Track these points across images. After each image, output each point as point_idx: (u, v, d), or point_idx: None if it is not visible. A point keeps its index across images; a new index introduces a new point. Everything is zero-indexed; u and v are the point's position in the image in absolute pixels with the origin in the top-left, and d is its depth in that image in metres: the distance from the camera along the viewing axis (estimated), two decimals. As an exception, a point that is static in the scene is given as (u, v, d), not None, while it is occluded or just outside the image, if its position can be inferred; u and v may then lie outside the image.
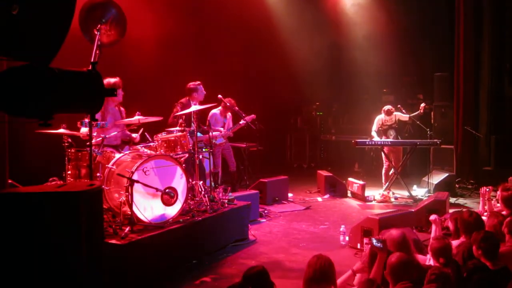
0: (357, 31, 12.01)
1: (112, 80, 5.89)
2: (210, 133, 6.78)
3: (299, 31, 11.85)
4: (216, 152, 7.94)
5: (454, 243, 4.52)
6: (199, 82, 7.28)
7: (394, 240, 3.94)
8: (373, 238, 3.95)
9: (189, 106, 6.90)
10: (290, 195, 9.03)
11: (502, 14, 10.71)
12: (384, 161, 9.34)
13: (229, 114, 8.27)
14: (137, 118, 5.67)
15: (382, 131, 9.24)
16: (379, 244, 3.83)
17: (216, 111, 8.09)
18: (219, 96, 7.89)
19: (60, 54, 2.76)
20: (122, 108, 6.21)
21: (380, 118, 9.29)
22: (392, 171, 9.12)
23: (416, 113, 9.23)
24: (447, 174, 9.33)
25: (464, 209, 5.87)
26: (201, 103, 7.16)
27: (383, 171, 9.33)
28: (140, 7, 8.14)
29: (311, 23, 12.11)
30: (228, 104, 7.94)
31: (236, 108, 8.00)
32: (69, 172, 5.25)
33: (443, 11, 11.48)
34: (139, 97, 7.58)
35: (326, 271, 3.38)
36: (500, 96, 10.88)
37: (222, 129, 8.05)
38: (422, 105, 9.23)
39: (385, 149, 9.16)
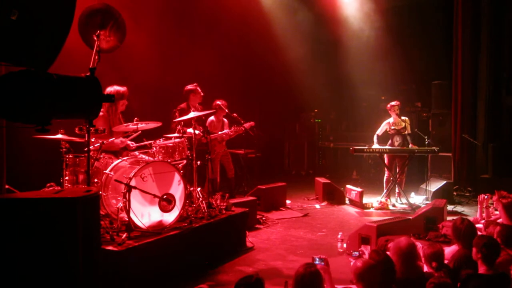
0: (356, 39, 12.06)
1: (121, 89, 5.95)
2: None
3: (298, 38, 11.88)
4: (214, 159, 7.95)
5: (447, 250, 4.52)
6: (196, 84, 7.46)
7: (401, 249, 3.92)
8: (316, 257, 3.96)
9: (189, 111, 6.98)
10: (288, 202, 9.02)
11: (501, 23, 10.76)
12: (385, 169, 9.24)
13: (225, 120, 8.28)
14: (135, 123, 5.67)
15: (390, 136, 9.01)
16: (321, 263, 3.85)
17: (212, 117, 8.12)
18: (218, 102, 7.96)
19: (58, 60, 2.76)
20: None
21: (388, 122, 9.05)
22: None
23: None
24: (445, 182, 9.33)
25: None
26: (200, 109, 7.24)
27: (385, 179, 9.19)
28: (137, 14, 8.15)
29: (309, 30, 12.17)
30: (219, 102, 7.97)
31: (235, 114, 8.00)
32: (66, 177, 5.23)
33: (442, 20, 11.53)
34: (137, 103, 7.60)
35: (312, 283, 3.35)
36: (497, 105, 10.91)
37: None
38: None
39: (388, 156, 9.00)
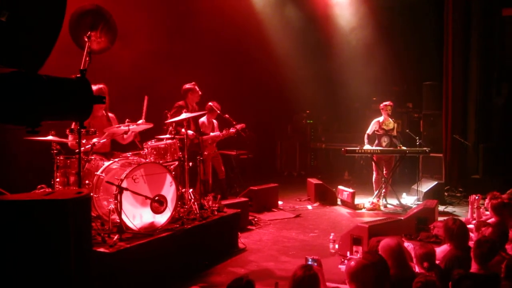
0: (347, 40, 12.10)
1: (94, 88, 5.63)
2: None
3: (289, 40, 11.91)
4: (206, 160, 7.93)
5: (438, 250, 4.55)
6: (194, 83, 7.43)
7: (391, 248, 3.92)
8: (308, 258, 3.98)
9: (186, 109, 7.01)
10: (280, 203, 9.03)
11: (491, 23, 10.85)
12: (374, 169, 9.28)
13: (215, 121, 8.27)
14: (127, 125, 5.64)
15: (378, 136, 9.02)
16: (314, 264, 3.86)
17: (203, 119, 8.11)
18: (210, 104, 7.96)
19: (49, 61, 2.75)
20: (110, 115, 6.15)
21: (377, 121, 9.05)
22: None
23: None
24: (436, 182, 9.37)
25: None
26: (197, 109, 7.29)
27: (373, 180, 9.20)
28: (130, 15, 8.12)
29: (301, 32, 12.19)
30: (211, 104, 7.97)
31: (227, 116, 7.99)
32: (57, 179, 5.20)
33: (432, 21, 11.60)
34: (129, 104, 7.56)
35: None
36: (488, 105, 11.00)
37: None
38: None
39: (376, 156, 9.06)
